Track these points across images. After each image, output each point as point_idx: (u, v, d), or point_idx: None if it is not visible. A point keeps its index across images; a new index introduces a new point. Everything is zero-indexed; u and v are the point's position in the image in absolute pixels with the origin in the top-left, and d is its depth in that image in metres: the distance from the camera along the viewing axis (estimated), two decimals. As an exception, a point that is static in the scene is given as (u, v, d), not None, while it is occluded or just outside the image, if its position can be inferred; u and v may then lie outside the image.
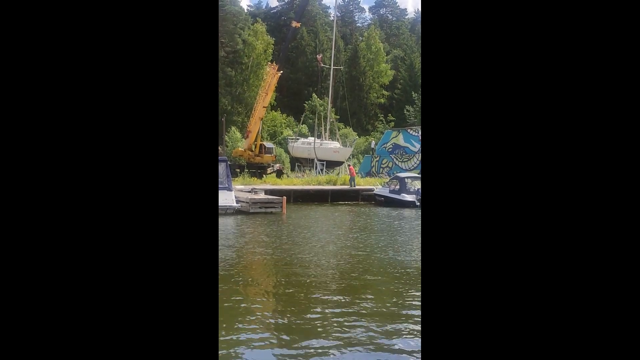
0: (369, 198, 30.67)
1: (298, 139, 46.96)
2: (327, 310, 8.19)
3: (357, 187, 32.39)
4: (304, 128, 52.93)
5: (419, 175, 28.93)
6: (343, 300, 8.86)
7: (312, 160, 41.62)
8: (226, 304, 8.36)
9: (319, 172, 39.09)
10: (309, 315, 7.94)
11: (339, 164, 41.63)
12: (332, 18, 57.38)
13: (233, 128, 54.65)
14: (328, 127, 48.47)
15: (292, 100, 68.23)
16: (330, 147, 43.50)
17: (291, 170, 40.29)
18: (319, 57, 50.02)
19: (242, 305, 8.55)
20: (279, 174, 39.62)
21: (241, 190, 26.93)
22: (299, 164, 43.51)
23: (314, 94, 60.74)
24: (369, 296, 9.21)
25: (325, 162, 41.03)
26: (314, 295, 9.23)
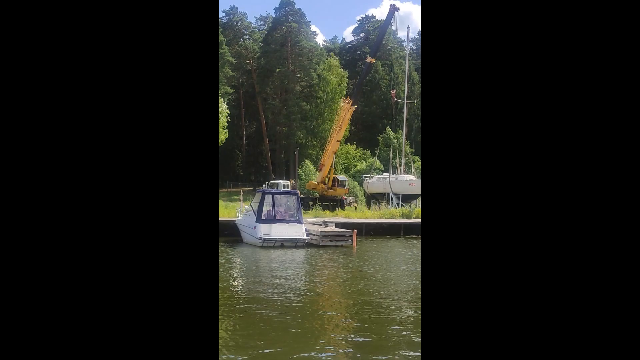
0: (443, 232, 29.86)
1: (373, 176, 46.69)
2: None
3: (430, 220, 31.58)
4: (377, 162, 52.60)
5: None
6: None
7: (388, 194, 41.11)
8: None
9: (395, 206, 38.49)
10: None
11: (415, 197, 40.84)
12: (406, 51, 57.07)
13: (307, 161, 55.12)
14: (403, 161, 47.98)
15: (366, 133, 68.33)
16: (406, 180, 42.87)
17: (368, 208, 39.83)
18: (392, 92, 49.99)
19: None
20: (342, 204, 39.34)
21: (312, 223, 26.85)
22: (374, 200, 43.08)
23: (387, 127, 60.53)
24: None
25: (400, 196, 40.37)
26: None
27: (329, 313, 10.63)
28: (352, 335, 8.69)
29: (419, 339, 8.37)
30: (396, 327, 9.17)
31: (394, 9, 40.53)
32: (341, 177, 45.07)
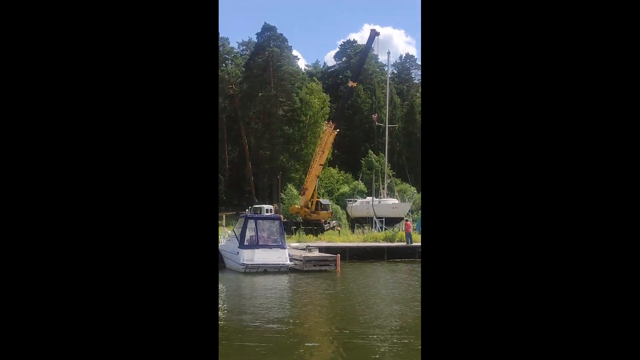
0: (427, 255, 29.69)
1: (356, 200, 46.66)
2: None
3: (414, 243, 31.57)
4: (361, 184, 52.65)
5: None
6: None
7: (371, 218, 41.05)
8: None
9: (378, 230, 38.45)
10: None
11: (398, 220, 40.82)
12: (388, 75, 57.58)
13: (290, 185, 55.00)
14: (386, 184, 48.04)
15: (349, 156, 68.46)
16: (389, 203, 42.87)
17: (352, 232, 39.75)
18: (374, 116, 50.25)
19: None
20: (322, 228, 39.20)
21: (296, 248, 26.68)
22: (358, 224, 43.01)
23: (370, 151, 60.73)
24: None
25: (384, 219, 40.34)
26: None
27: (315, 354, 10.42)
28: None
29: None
30: None
31: (374, 34, 40.92)
32: (324, 200, 44.99)
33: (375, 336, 10.71)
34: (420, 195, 51.84)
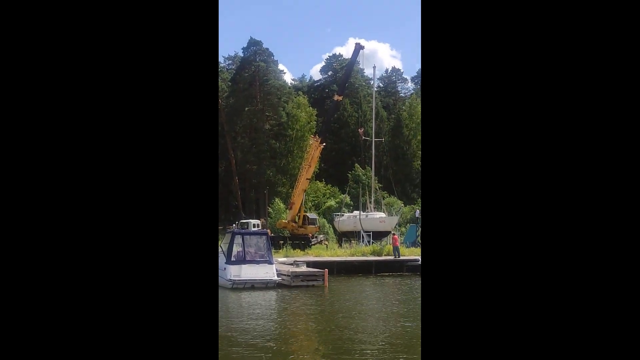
0: (415, 268, 29.65)
1: (343, 214, 46.62)
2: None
3: (401, 257, 31.57)
4: (347, 198, 52.66)
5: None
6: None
7: (359, 232, 41.00)
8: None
9: (365, 244, 38.39)
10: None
11: (385, 234, 40.82)
12: (375, 89, 57.85)
13: (277, 199, 54.91)
14: (373, 198, 48.07)
15: (335, 170, 68.53)
16: (376, 217, 42.87)
17: (339, 246, 39.67)
18: (360, 130, 50.42)
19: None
20: (308, 243, 39.09)
21: (283, 263, 26.56)
22: (345, 238, 42.93)
23: (356, 165, 60.83)
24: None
25: (371, 234, 40.31)
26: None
27: None
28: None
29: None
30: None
31: (359, 47, 41.16)
32: (311, 215, 44.93)
33: (365, 353, 10.63)
34: (407, 208, 52.09)
